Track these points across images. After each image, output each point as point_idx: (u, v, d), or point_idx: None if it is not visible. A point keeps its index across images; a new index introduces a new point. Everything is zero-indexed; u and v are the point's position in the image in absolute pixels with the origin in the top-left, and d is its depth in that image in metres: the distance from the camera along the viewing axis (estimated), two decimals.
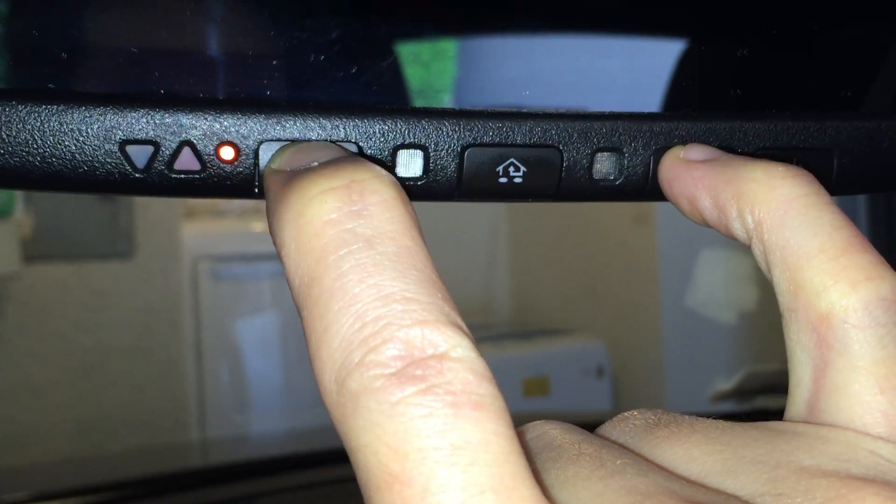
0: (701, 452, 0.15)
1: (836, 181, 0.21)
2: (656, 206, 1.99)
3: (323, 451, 0.84)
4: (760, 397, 0.99)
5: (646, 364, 2.07)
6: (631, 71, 0.21)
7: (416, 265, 0.15)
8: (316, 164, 0.17)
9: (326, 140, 0.19)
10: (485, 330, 2.27)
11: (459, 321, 0.15)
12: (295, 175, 0.16)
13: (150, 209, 1.57)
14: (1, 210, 1.33)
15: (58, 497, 0.74)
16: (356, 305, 0.15)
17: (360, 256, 0.15)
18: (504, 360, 1.98)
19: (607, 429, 0.18)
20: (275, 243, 0.16)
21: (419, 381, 0.14)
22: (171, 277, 1.61)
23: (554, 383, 2.01)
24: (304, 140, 0.19)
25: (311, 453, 0.84)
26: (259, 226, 1.84)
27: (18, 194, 1.37)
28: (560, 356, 2.06)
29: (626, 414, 0.18)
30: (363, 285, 0.15)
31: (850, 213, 1.66)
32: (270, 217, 0.17)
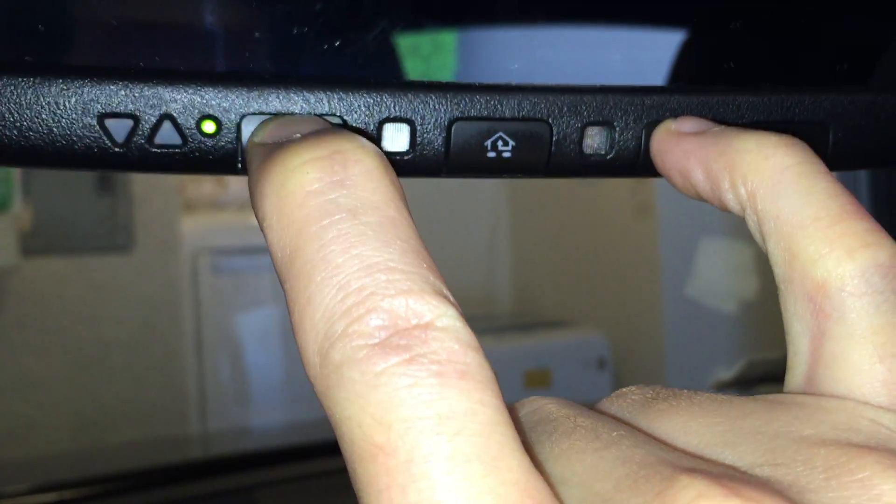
0: (698, 425, 0.15)
1: (831, 156, 0.21)
2: (658, 198, 1.98)
3: (322, 443, 0.84)
4: (762, 386, 0.99)
5: (647, 355, 2.07)
6: (622, 44, 0.21)
7: (401, 235, 0.15)
8: (299, 135, 0.17)
9: (310, 114, 0.18)
10: (486, 322, 2.27)
11: (445, 291, 0.15)
12: (277, 147, 0.16)
13: (149, 202, 1.57)
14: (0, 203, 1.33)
15: (58, 488, 0.74)
16: (339, 276, 0.14)
17: (343, 227, 0.15)
18: (505, 352, 1.98)
19: (605, 404, 0.18)
20: (256, 216, 0.16)
21: (403, 350, 0.14)
22: (170, 270, 1.61)
23: (555, 375, 2.01)
24: (289, 114, 0.18)
25: (310, 444, 0.84)
26: None
27: (17, 187, 1.36)
28: (561, 348, 2.06)
29: (623, 390, 0.18)
30: (346, 255, 0.15)
31: (851, 183, 1.65)
32: (252, 190, 0.16)
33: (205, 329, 1.69)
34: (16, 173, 1.34)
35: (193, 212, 1.83)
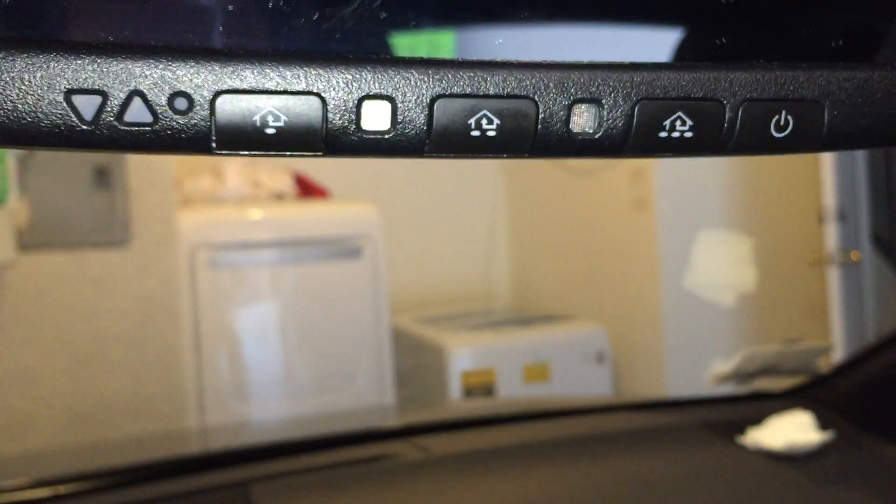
0: None
1: (826, 135, 0.20)
2: (656, 191, 1.98)
3: (318, 437, 0.84)
4: (760, 379, 0.98)
5: (646, 349, 2.06)
6: (610, 19, 0.20)
7: None
8: None
9: (285, 90, 0.18)
10: (485, 316, 2.27)
11: None
12: None
13: (146, 197, 1.57)
14: None
15: (57, 483, 0.74)
16: None
17: None
18: (505, 346, 1.98)
19: None
20: None
21: None
22: (168, 265, 1.60)
23: (554, 369, 2.00)
24: None
25: (306, 439, 0.83)
26: (257, 214, 1.84)
27: (13, 183, 1.36)
28: (560, 342, 2.06)
29: None
30: None
31: (850, 176, 1.64)
32: None
33: (203, 324, 1.69)
34: (12, 167, 1.33)
35: (191, 207, 1.82)
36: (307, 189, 2.00)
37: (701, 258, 1.93)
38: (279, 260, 1.77)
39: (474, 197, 2.51)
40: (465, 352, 1.92)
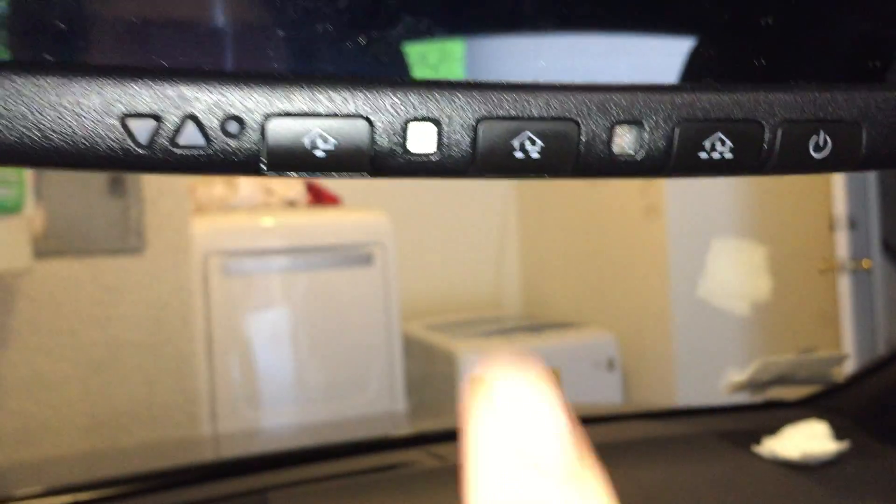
0: None
1: (865, 155, 0.21)
2: (667, 198, 1.98)
3: (333, 445, 0.84)
4: (774, 388, 0.98)
5: (656, 356, 2.06)
6: (651, 41, 0.20)
7: None
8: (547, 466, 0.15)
9: (334, 113, 0.18)
10: (495, 323, 2.27)
11: None
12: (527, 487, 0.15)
13: (160, 205, 1.58)
14: (11, 206, 1.33)
15: (71, 491, 0.74)
16: None
17: None
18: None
19: None
20: None
21: None
22: (181, 272, 1.61)
23: (565, 376, 2.00)
24: (508, 360, 0.16)
25: (321, 446, 0.83)
26: (269, 221, 1.84)
27: (29, 190, 1.37)
28: (570, 349, 2.06)
29: None
30: None
31: (860, 184, 1.63)
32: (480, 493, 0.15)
33: (215, 330, 1.70)
34: (28, 175, 1.35)
35: (204, 214, 1.83)
36: (319, 196, 2.01)
37: (714, 267, 1.93)
38: (291, 267, 1.77)
39: (485, 204, 2.51)
40: (475, 359, 1.92)
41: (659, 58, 0.20)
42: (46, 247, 1.48)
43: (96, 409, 1.53)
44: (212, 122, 0.18)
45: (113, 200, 1.54)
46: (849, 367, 1.34)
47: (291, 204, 1.94)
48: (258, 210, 1.89)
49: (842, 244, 1.70)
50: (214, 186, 1.93)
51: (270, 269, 1.78)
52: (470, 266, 2.49)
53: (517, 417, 0.15)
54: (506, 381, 0.16)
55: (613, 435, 0.89)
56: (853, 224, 1.69)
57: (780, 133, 0.20)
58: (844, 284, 1.70)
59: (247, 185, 1.90)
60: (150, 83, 0.17)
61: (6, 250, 1.35)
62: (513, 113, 0.19)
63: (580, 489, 0.15)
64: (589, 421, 0.95)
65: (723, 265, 1.92)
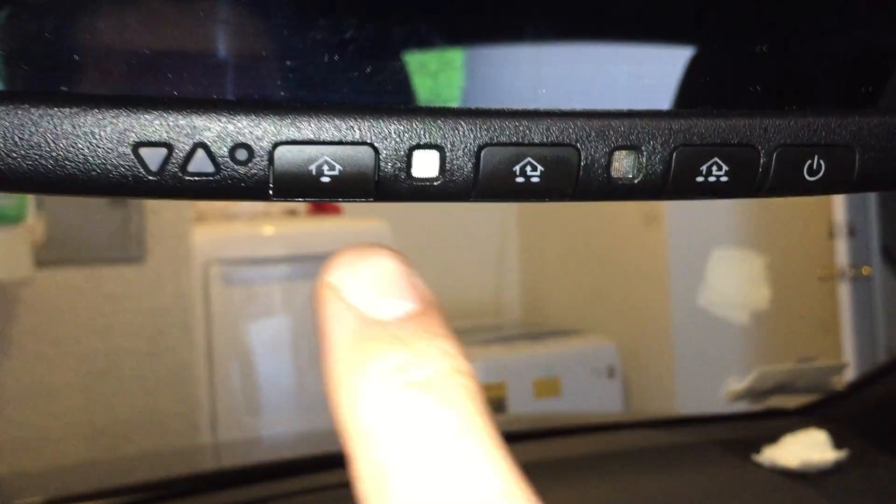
0: None
1: (858, 178, 0.21)
2: (666, 206, 1.98)
3: (334, 454, 0.84)
4: (774, 397, 0.99)
5: (657, 364, 2.06)
6: (649, 69, 0.21)
7: (503, 454, 0.15)
8: (390, 315, 0.16)
9: (340, 140, 0.18)
10: (496, 331, 2.27)
11: None
12: (370, 340, 0.15)
13: (161, 213, 1.58)
14: (13, 215, 1.34)
15: (71, 500, 0.74)
16: (447, 498, 0.14)
17: (450, 446, 0.14)
18: (515, 361, 1.98)
19: None
20: (338, 408, 0.15)
21: None
22: (182, 281, 1.61)
23: (565, 384, 2.00)
24: (361, 242, 0.17)
25: (322, 456, 0.84)
26: (269, 230, 1.85)
27: (30, 199, 1.37)
28: (571, 357, 2.06)
29: None
30: (454, 475, 0.14)
31: (860, 197, 1.63)
32: (337, 374, 0.15)
33: (216, 339, 1.70)
34: None
35: (205, 223, 1.83)
36: (320, 205, 2.02)
37: (714, 276, 1.93)
38: (292, 275, 1.78)
39: (485, 212, 2.51)
40: (476, 366, 1.90)
41: (657, 84, 0.20)
42: (47, 256, 1.49)
43: (97, 417, 1.53)
44: (221, 150, 0.18)
45: (113, 209, 1.54)
46: (848, 375, 1.34)
47: (292, 212, 1.94)
48: (259, 219, 1.89)
49: (841, 251, 1.70)
50: None
51: (271, 278, 1.78)
52: (470, 274, 2.49)
53: (370, 304, 0.16)
54: (355, 273, 0.16)
55: (613, 443, 0.89)
56: (852, 231, 1.69)
57: (775, 157, 0.20)
58: (844, 292, 1.70)
59: None
60: (162, 113, 0.18)
61: (7, 259, 1.36)
62: (514, 139, 0.19)
63: (432, 361, 0.15)
64: (589, 429, 0.96)
65: (723, 274, 1.93)
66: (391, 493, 0.14)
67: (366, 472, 0.15)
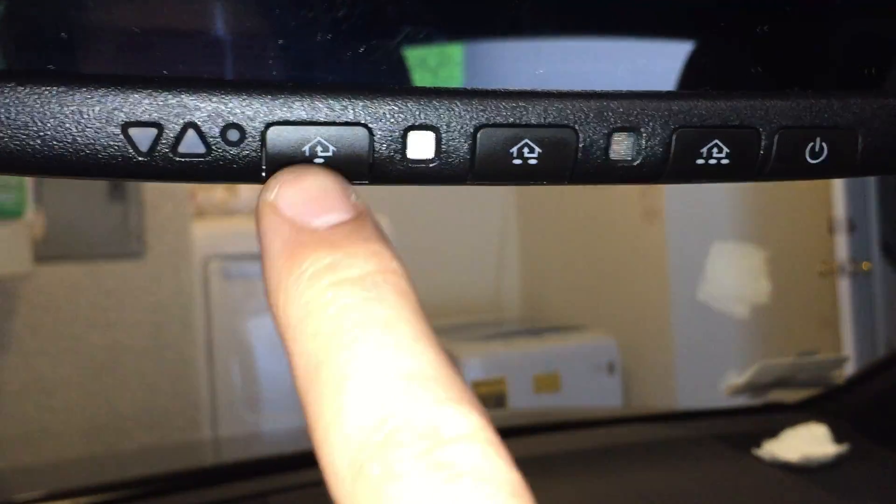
0: None
1: (861, 161, 0.21)
2: (666, 201, 1.98)
3: None
4: (774, 391, 0.98)
5: (657, 360, 2.06)
6: (648, 49, 0.20)
7: (432, 347, 0.15)
8: (323, 224, 0.16)
9: (334, 121, 0.18)
10: (495, 327, 2.27)
11: (479, 404, 0.15)
12: (302, 246, 0.16)
13: (160, 209, 1.58)
14: (12, 211, 1.34)
15: (71, 495, 0.74)
16: (374, 385, 0.14)
17: (376, 337, 0.15)
18: (515, 356, 1.98)
19: None
20: (274, 312, 0.16)
21: (448, 467, 0.13)
22: (182, 276, 1.61)
23: (565, 380, 2.00)
24: (301, 165, 0.17)
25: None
26: None
27: (29, 194, 1.37)
28: (570, 352, 2.06)
29: None
30: (380, 365, 0.14)
31: (859, 186, 1.63)
32: (272, 280, 0.16)
33: (216, 334, 1.70)
34: (28, 181, 1.35)
35: (204, 218, 1.83)
36: None
37: (713, 270, 1.93)
38: None
39: (485, 207, 2.51)
40: (476, 362, 1.92)
41: (656, 65, 0.20)
42: (47, 251, 1.49)
43: (97, 413, 1.53)
44: (212, 131, 0.18)
45: (113, 205, 1.54)
46: (848, 370, 1.34)
47: None
48: None
49: (841, 246, 1.70)
50: (215, 190, 1.94)
51: None
52: (470, 269, 2.49)
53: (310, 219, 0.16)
54: (290, 189, 0.17)
55: (613, 438, 0.89)
56: (853, 226, 1.69)
57: (776, 139, 0.20)
58: (844, 287, 1.70)
59: (247, 189, 1.91)
60: (151, 92, 0.17)
61: (7, 255, 1.35)
62: (511, 120, 0.19)
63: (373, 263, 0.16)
64: (589, 424, 0.95)
65: (722, 268, 1.92)
66: (323, 382, 0.14)
67: (299, 365, 0.15)
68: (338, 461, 0.14)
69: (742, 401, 1.03)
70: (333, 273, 0.15)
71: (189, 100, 0.18)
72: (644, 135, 0.19)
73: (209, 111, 0.18)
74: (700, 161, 0.20)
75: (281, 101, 0.18)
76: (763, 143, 0.20)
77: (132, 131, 0.17)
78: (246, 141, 0.18)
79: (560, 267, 2.45)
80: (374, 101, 0.18)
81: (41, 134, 0.17)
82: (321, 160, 0.18)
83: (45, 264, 1.48)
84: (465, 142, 0.19)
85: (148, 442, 1.53)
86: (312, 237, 0.16)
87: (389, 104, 0.18)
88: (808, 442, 0.77)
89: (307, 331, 0.15)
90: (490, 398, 1.88)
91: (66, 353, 1.52)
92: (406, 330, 0.15)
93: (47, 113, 0.17)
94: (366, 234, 0.16)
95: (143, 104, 0.17)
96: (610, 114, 0.19)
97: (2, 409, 1.48)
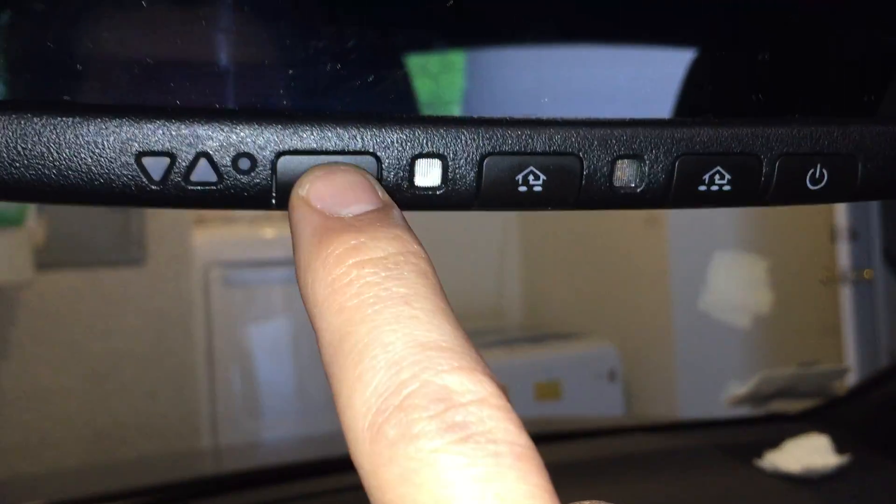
0: None
1: (861, 187, 0.21)
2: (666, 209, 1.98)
3: (335, 458, 0.84)
4: (776, 401, 0.98)
5: (658, 368, 2.06)
6: (651, 77, 0.21)
7: (449, 321, 0.16)
8: (350, 213, 0.17)
9: (344, 150, 0.18)
10: (496, 334, 2.27)
11: (492, 374, 0.15)
12: (330, 231, 0.17)
13: (161, 216, 1.58)
14: (13, 219, 1.34)
15: None
16: (392, 353, 0.15)
17: (396, 310, 0.15)
18: (516, 364, 1.98)
19: None
20: (303, 293, 0.17)
21: (460, 428, 0.14)
22: (182, 284, 1.61)
23: (566, 387, 2.00)
24: (332, 162, 0.18)
25: (323, 460, 0.83)
26: (270, 232, 1.85)
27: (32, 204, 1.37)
28: (572, 360, 2.06)
29: None
30: (398, 335, 0.15)
31: (863, 204, 1.63)
32: (303, 267, 0.17)
33: (216, 341, 1.70)
34: None
35: (205, 225, 1.83)
36: None
37: (715, 279, 1.93)
38: (292, 278, 1.76)
39: (485, 215, 2.51)
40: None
41: (659, 93, 0.20)
42: (48, 259, 1.49)
43: (97, 420, 1.53)
44: (224, 160, 0.18)
45: (114, 212, 1.54)
46: (850, 380, 1.34)
47: None
48: (259, 221, 1.89)
49: (843, 255, 1.70)
50: None
51: (271, 280, 1.78)
52: (471, 276, 2.49)
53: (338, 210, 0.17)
54: (321, 184, 0.18)
55: (614, 448, 0.89)
56: (854, 235, 1.69)
57: (777, 166, 0.20)
58: (846, 295, 1.70)
59: None
60: (164, 122, 0.18)
61: (8, 262, 1.36)
62: (517, 148, 0.19)
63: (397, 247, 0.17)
64: (590, 433, 0.95)
65: (724, 277, 1.93)
66: (345, 354, 0.15)
67: (324, 339, 0.16)
68: (358, 424, 0.15)
69: (744, 411, 1.03)
70: (358, 254, 0.16)
71: (201, 129, 0.18)
72: (647, 162, 0.20)
73: (221, 141, 0.18)
74: (702, 188, 0.20)
75: (291, 130, 0.18)
76: (764, 170, 0.20)
77: (146, 160, 0.18)
78: (257, 170, 0.18)
79: (561, 274, 2.45)
80: (382, 129, 0.18)
81: (57, 164, 0.17)
82: None
83: (46, 271, 1.48)
84: (472, 170, 0.19)
85: (148, 450, 1.53)
86: (340, 223, 0.17)
87: (397, 133, 0.19)
88: (809, 453, 0.77)
89: (332, 307, 0.16)
90: None
91: (66, 360, 1.52)
92: (425, 305, 0.16)
93: (63, 143, 0.17)
94: (390, 222, 0.17)
95: (157, 134, 0.18)
96: (613, 141, 0.19)
97: (1, 417, 1.48)
